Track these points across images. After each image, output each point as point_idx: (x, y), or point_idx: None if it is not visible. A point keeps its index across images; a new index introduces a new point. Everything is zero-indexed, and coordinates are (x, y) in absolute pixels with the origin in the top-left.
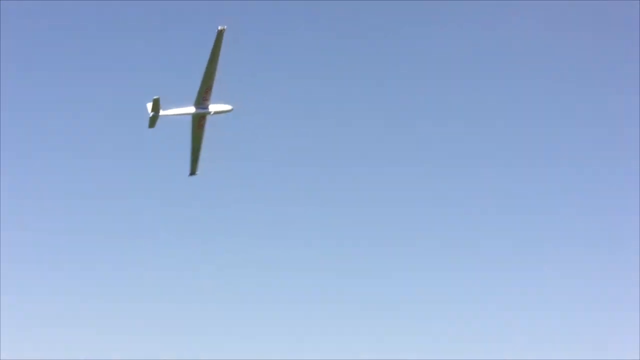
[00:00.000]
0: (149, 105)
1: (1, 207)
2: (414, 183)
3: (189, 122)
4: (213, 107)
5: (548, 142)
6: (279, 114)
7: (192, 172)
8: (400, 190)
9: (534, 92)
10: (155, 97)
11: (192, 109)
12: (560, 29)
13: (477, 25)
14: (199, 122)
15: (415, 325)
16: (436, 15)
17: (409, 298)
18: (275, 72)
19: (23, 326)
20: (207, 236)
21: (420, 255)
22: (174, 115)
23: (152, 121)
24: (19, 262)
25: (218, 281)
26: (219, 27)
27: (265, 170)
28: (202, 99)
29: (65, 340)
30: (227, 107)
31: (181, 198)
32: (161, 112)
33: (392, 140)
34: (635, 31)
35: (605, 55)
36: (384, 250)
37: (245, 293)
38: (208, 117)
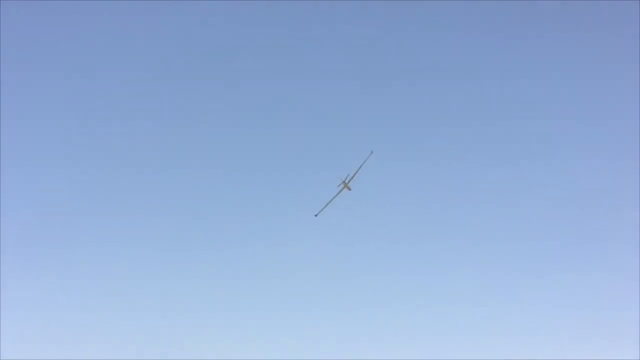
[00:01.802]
0: (342, 178)
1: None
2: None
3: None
4: (350, 186)
5: (547, 141)
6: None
7: (316, 214)
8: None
9: (533, 91)
10: (348, 179)
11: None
12: (561, 29)
13: (476, 25)
14: (342, 189)
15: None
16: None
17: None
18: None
19: (23, 326)
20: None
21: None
22: (343, 182)
23: (346, 186)
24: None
25: None
26: (371, 151)
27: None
28: (350, 180)
29: (64, 341)
30: (350, 188)
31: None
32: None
33: None
34: (636, 31)
35: (605, 56)
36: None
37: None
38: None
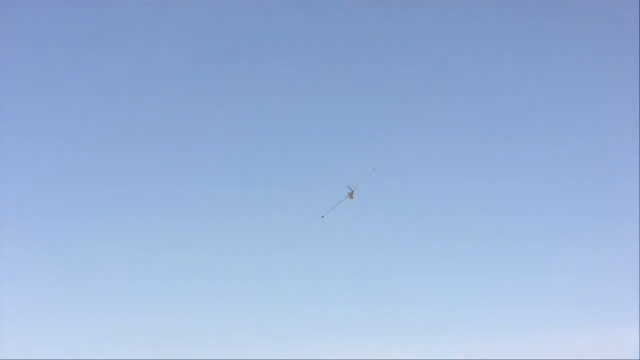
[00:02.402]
0: (351, 189)
1: None
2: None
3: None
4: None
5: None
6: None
7: (323, 217)
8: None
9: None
10: (354, 188)
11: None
12: (560, 29)
13: (476, 24)
14: (346, 198)
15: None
16: None
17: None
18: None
19: (23, 326)
20: None
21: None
22: (350, 192)
23: (351, 195)
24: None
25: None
26: (374, 168)
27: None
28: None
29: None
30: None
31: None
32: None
33: None
34: (636, 31)
35: (605, 56)
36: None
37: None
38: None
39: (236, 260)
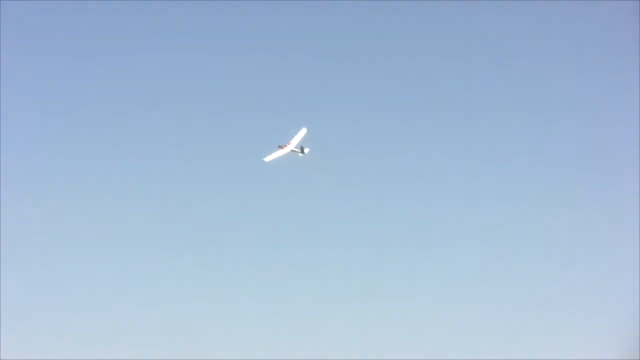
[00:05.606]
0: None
1: None
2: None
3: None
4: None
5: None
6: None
7: (265, 159)
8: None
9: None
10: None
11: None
12: (560, 29)
13: (473, 25)
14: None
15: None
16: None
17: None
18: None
19: (23, 326)
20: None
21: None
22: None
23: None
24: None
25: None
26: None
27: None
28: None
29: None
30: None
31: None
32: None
33: None
34: (636, 31)
35: (605, 55)
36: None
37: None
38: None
39: None
